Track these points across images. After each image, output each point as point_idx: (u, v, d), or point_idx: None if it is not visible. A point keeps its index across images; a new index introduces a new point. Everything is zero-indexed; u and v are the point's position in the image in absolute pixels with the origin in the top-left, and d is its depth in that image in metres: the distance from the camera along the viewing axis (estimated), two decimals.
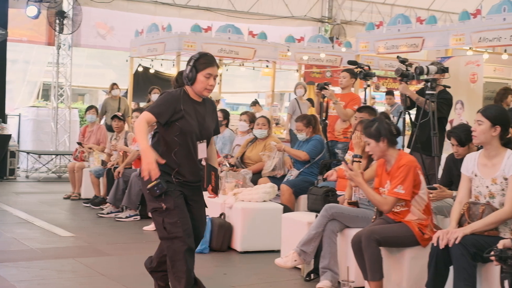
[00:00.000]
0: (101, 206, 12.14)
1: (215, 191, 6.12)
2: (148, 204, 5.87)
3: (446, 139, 8.53)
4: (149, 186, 5.60)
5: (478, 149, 6.30)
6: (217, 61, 6.14)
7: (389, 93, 19.73)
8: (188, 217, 5.79)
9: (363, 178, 6.46)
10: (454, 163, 7.32)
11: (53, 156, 17.94)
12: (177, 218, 5.69)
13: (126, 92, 18.30)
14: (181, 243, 5.67)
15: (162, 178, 5.62)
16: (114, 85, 16.86)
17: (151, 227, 10.21)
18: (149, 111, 5.74)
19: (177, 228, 5.67)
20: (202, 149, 5.90)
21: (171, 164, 5.77)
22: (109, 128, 14.16)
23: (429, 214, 6.36)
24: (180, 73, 6.04)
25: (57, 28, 18.16)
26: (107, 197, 11.79)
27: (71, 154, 14.96)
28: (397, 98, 20.91)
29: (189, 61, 5.87)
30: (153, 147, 5.80)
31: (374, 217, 6.68)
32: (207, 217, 6.52)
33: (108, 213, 11.54)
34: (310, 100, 17.21)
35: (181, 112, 5.74)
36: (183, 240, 5.66)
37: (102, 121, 16.41)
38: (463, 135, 7.09)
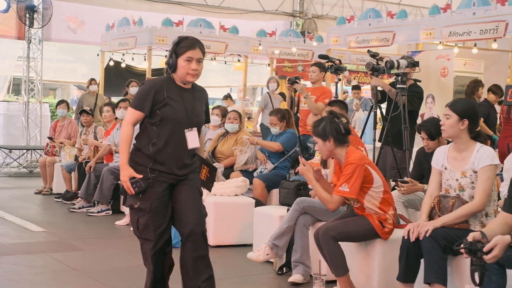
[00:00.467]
0: (73, 201, 12.11)
1: (206, 186, 5.97)
2: (127, 199, 5.67)
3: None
4: (130, 181, 5.47)
5: (448, 143, 6.34)
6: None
7: (356, 87, 19.70)
8: (164, 219, 5.58)
9: (314, 175, 6.44)
10: (425, 157, 7.38)
11: (24, 151, 17.83)
12: (150, 222, 5.51)
13: (98, 86, 18.18)
14: (150, 246, 5.58)
15: (143, 178, 5.46)
16: (92, 81, 16.58)
17: (123, 221, 10.21)
18: (131, 105, 5.57)
19: (148, 231, 5.54)
20: (192, 138, 5.58)
21: (150, 155, 5.51)
22: None
23: (387, 208, 6.30)
24: None
25: (27, 22, 18.01)
26: (79, 191, 11.74)
27: (42, 149, 14.89)
28: (367, 93, 20.98)
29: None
30: (137, 138, 5.65)
31: (346, 209, 6.71)
32: None
33: (79, 208, 11.50)
34: (282, 94, 17.24)
35: (165, 100, 5.46)
36: (152, 243, 5.56)
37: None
38: (433, 129, 7.13)
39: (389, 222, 6.27)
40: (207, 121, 5.93)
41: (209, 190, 6.13)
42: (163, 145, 5.50)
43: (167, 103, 5.47)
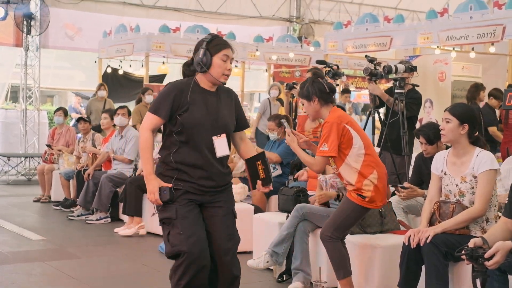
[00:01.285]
0: (71, 209, 12.07)
1: (267, 181, 5.33)
2: (158, 214, 5.17)
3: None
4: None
5: (446, 148, 6.32)
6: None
7: (345, 91, 19.60)
8: (198, 226, 5.06)
9: (301, 145, 6.44)
10: (424, 162, 7.35)
11: (22, 158, 17.79)
12: (180, 229, 4.95)
13: (95, 94, 18.14)
14: (184, 258, 4.96)
15: (172, 188, 5.00)
16: (101, 86, 16.31)
17: (121, 229, 10.18)
18: (149, 110, 5.08)
19: (180, 240, 4.95)
20: (220, 145, 5.08)
21: (173, 166, 5.05)
22: (94, 128, 13.68)
23: (369, 171, 6.11)
24: (187, 64, 5.23)
25: (25, 30, 18.00)
26: (77, 199, 11.72)
27: (41, 157, 14.86)
28: (365, 97, 20.99)
29: (199, 45, 5.10)
30: (160, 150, 5.20)
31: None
32: None
33: (78, 216, 11.47)
34: (279, 100, 17.22)
35: (187, 104, 4.97)
36: (187, 255, 4.94)
37: None
38: (432, 133, 7.10)
39: (367, 189, 6.09)
40: (245, 124, 5.47)
41: (271, 181, 5.40)
42: (188, 156, 5.04)
43: (188, 107, 5.00)
